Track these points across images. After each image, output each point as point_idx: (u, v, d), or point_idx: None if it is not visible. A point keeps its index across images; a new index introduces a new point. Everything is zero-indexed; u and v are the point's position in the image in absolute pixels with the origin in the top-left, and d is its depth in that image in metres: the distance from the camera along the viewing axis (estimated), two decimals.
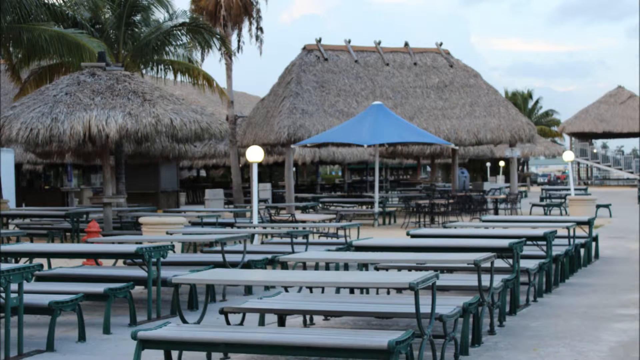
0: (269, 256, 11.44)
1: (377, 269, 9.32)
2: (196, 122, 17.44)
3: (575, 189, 28.65)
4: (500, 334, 8.16)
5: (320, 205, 25.19)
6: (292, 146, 25.76)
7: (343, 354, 5.87)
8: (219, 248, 11.50)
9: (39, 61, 22.63)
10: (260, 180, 31.13)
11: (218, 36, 24.00)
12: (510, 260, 9.17)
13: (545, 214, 25.37)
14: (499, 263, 8.87)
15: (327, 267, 11.93)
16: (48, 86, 18.56)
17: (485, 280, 7.99)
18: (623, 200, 35.11)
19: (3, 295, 7.12)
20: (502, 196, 27.10)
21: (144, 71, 23.68)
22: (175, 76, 23.81)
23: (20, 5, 20.18)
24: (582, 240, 13.34)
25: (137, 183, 28.45)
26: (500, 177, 48.30)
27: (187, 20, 23.86)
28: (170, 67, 23.64)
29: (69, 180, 36.06)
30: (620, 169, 60.86)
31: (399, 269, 9.27)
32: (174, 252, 11.06)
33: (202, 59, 25.83)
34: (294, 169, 31.92)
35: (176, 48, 24.19)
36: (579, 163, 60.91)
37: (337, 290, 9.71)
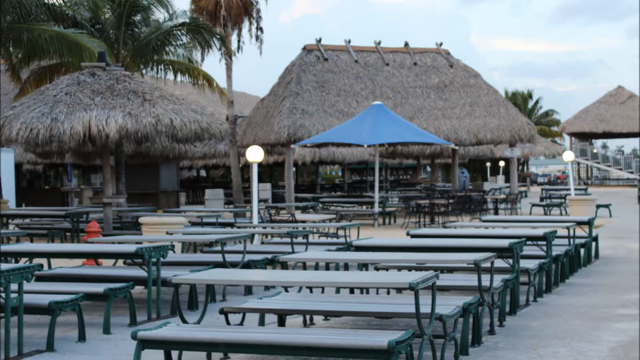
0: (269, 256, 11.45)
1: (377, 269, 9.31)
2: (196, 122, 17.44)
3: (575, 189, 28.64)
4: (500, 334, 8.15)
5: (320, 205, 25.18)
6: (292, 146, 25.76)
7: (343, 354, 5.87)
8: (219, 248, 11.49)
9: (39, 61, 22.63)
10: (260, 180, 31.12)
11: (218, 36, 24.00)
12: (510, 260, 9.17)
13: (545, 214, 25.36)
14: (499, 263, 8.87)
15: (327, 267, 11.92)
16: (48, 86, 18.55)
17: (485, 280, 7.99)
18: (623, 200, 35.11)
19: (3, 295, 7.12)
20: (502, 196, 27.09)
21: (144, 71, 23.68)
22: (175, 76, 23.82)
23: (20, 5, 20.18)
24: (582, 240, 13.33)
25: (137, 183, 28.45)
26: (500, 177, 48.30)
27: (187, 20, 23.86)
28: (170, 67, 23.65)
29: (69, 180, 36.05)
30: (620, 169, 60.86)
31: (399, 269, 9.26)
32: (174, 252, 11.05)
33: (202, 59, 25.84)
34: (294, 169, 31.91)
35: (176, 48, 24.20)
36: (579, 163, 60.90)
37: (337, 290, 9.70)
